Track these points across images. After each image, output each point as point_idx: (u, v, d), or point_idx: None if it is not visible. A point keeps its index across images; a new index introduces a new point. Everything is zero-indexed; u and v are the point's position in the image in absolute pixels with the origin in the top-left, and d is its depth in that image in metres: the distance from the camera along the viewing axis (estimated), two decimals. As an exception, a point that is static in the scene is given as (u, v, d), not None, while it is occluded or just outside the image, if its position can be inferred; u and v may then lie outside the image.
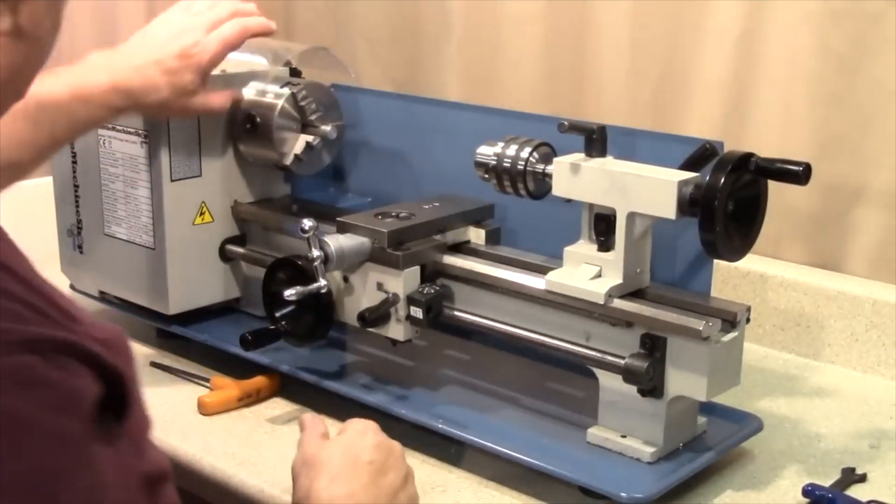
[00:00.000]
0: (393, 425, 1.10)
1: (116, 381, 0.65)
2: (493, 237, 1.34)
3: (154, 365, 1.46)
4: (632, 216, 1.13)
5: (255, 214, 1.49)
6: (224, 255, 1.50)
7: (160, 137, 1.39)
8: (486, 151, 1.23)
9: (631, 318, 1.14)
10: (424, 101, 1.53)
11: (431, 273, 1.28)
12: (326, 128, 1.45)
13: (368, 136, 1.55)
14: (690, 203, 1.09)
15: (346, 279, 1.30)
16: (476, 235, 1.34)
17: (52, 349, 0.62)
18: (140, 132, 1.41)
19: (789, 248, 1.58)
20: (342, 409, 1.26)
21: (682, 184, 1.09)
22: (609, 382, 1.17)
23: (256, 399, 1.35)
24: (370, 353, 1.41)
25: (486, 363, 1.39)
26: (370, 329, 1.27)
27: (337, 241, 1.25)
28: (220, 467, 1.21)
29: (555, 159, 1.18)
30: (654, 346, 1.12)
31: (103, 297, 1.57)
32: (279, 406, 1.35)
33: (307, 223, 1.21)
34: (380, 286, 1.26)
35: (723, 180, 1.07)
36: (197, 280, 1.48)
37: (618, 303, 1.14)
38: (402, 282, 1.25)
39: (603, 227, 1.16)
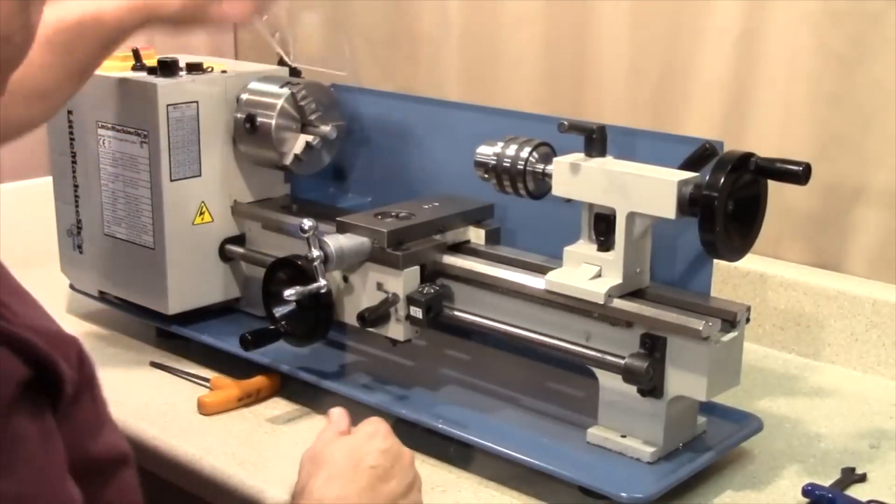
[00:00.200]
0: (393, 425, 1.10)
1: (49, 369, 0.69)
2: (493, 237, 1.34)
3: (154, 365, 1.46)
4: (632, 216, 1.13)
5: (254, 214, 1.49)
6: (224, 255, 1.50)
7: (160, 137, 1.40)
8: (486, 151, 1.23)
9: (631, 318, 1.14)
10: (424, 101, 1.53)
11: (431, 273, 1.28)
12: (326, 128, 1.45)
13: (368, 136, 1.55)
14: (690, 203, 1.09)
15: (345, 279, 1.30)
16: (476, 235, 1.34)
17: None
18: (140, 132, 1.41)
19: (789, 248, 1.58)
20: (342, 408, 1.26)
21: (682, 184, 1.09)
22: (609, 382, 1.17)
23: (256, 399, 1.35)
24: (370, 353, 1.41)
25: (486, 363, 1.39)
26: (370, 329, 1.27)
27: (337, 241, 1.25)
28: (220, 467, 1.21)
29: (555, 159, 1.18)
30: (654, 346, 1.12)
31: (103, 296, 1.57)
32: (279, 406, 1.35)
33: (307, 223, 1.21)
34: (380, 286, 1.26)
35: (723, 180, 1.07)
36: (197, 280, 1.48)
37: (618, 303, 1.14)
38: (402, 282, 1.25)
39: (603, 226, 1.16)
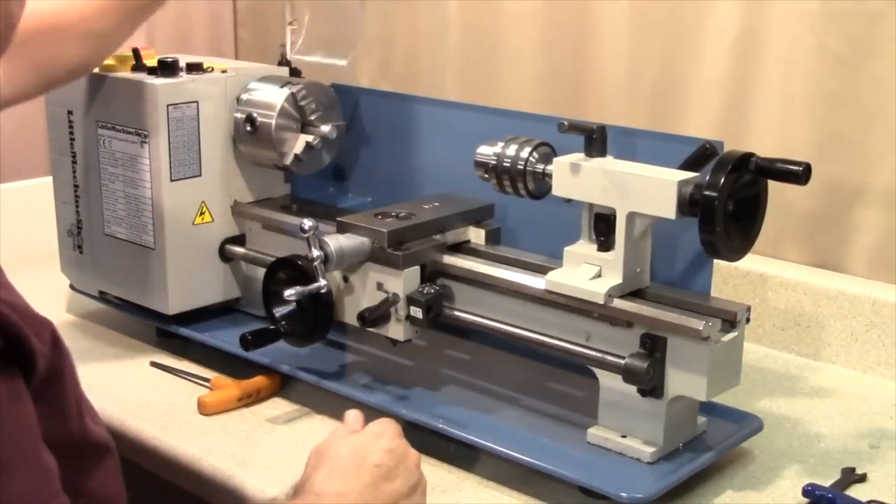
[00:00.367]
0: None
1: (20, 342, 0.70)
2: (493, 237, 1.34)
3: (154, 365, 1.46)
4: (632, 216, 1.13)
5: (254, 214, 1.49)
6: (224, 255, 1.50)
7: (160, 137, 1.40)
8: (486, 151, 1.23)
9: (631, 318, 1.14)
10: (424, 101, 1.52)
11: (431, 273, 1.28)
12: (326, 128, 1.45)
13: (368, 136, 1.55)
14: (690, 203, 1.09)
15: (346, 279, 1.30)
16: (476, 235, 1.34)
17: None
18: (140, 132, 1.41)
19: (789, 248, 1.58)
20: (342, 408, 1.25)
21: (682, 184, 1.09)
22: (609, 382, 1.17)
23: (256, 399, 1.35)
24: (370, 353, 1.41)
25: (486, 363, 1.39)
26: (370, 329, 1.27)
27: (337, 241, 1.25)
28: (220, 467, 1.21)
29: (555, 159, 1.18)
30: (654, 346, 1.12)
31: (103, 296, 1.57)
32: (279, 406, 1.35)
33: (307, 223, 1.21)
34: (380, 286, 1.26)
35: (723, 180, 1.07)
36: (197, 280, 1.48)
37: (618, 303, 1.14)
38: (402, 282, 1.25)
39: (603, 226, 1.16)
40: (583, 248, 1.18)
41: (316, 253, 1.22)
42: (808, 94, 1.52)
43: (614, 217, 1.14)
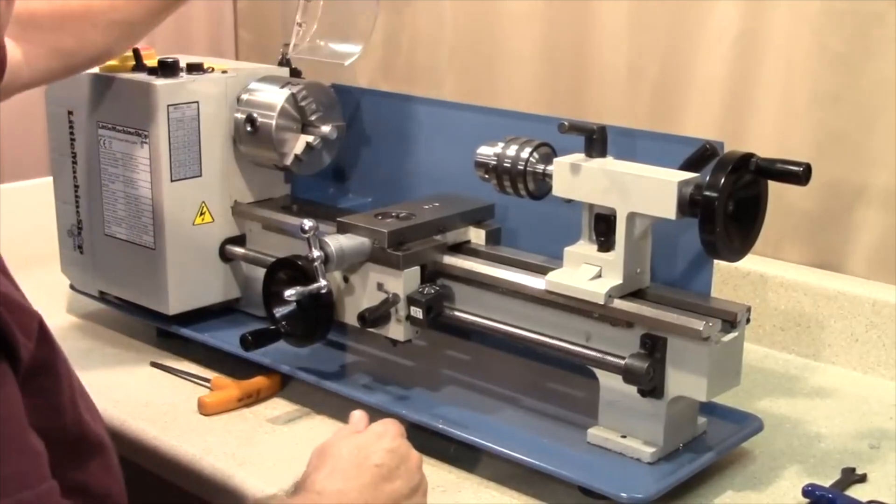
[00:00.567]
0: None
1: (3, 331, 0.71)
2: (494, 237, 1.34)
3: (154, 365, 1.46)
4: (632, 216, 1.13)
5: (255, 215, 1.49)
6: (224, 256, 1.50)
7: (160, 138, 1.40)
8: (486, 151, 1.23)
9: (631, 319, 1.14)
10: (424, 101, 1.52)
11: (431, 273, 1.28)
12: (326, 128, 1.45)
13: (368, 136, 1.55)
14: (690, 203, 1.09)
15: (346, 279, 1.30)
16: (476, 235, 1.34)
17: None
18: (140, 132, 1.41)
19: (789, 249, 1.58)
20: (342, 409, 1.25)
21: (682, 184, 1.09)
22: (609, 382, 1.17)
23: (256, 399, 1.35)
24: (370, 353, 1.41)
25: (486, 363, 1.39)
26: (370, 329, 1.27)
27: (337, 241, 1.25)
28: (220, 467, 1.21)
29: (555, 159, 1.18)
30: (654, 347, 1.12)
31: (103, 297, 1.57)
32: (279, 406, 1.35)
33: (307, 223, 1.21)
34: (380, 286, 1.26)
35: (723, 181, 1.07)
36: (197, 280, 1.48)
37: (618, 303, 1.14)
38: (402, 282, 1.25)
39: (603, 227, 1.16)
40: (583, 249, 1.18)
41: (316, 253, 1.22)
42: (808, 94, 1.52)
43: (614, 217, 1.14)
